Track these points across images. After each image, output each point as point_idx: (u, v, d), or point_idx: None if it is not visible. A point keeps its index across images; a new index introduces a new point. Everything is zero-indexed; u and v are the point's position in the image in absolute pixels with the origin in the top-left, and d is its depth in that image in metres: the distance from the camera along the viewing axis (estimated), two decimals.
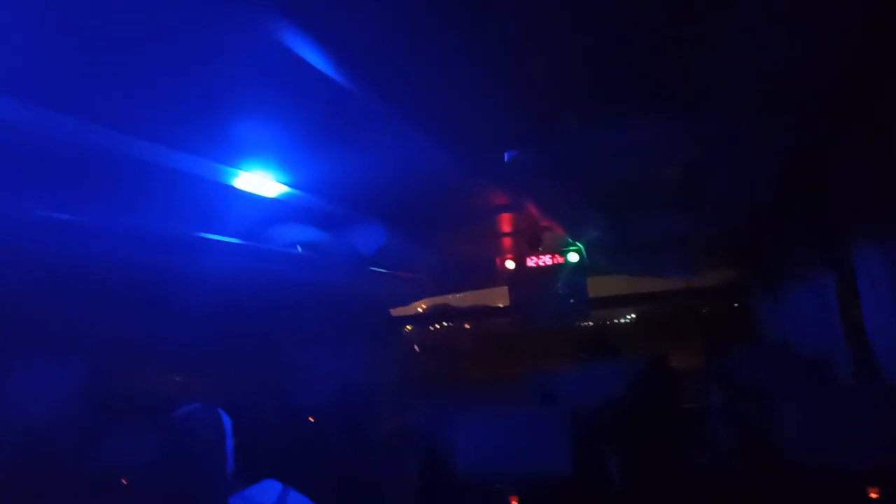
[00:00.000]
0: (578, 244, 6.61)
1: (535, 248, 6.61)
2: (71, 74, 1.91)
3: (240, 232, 3.49)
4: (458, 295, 8.90)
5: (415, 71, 2.01)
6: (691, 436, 3.53)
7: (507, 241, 6.50)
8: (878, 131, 2.35)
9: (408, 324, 9.88)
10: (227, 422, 2.78)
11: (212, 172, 2.82)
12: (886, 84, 2.14)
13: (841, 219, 3.16)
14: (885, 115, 2.28)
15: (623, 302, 9.14)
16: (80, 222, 2.50)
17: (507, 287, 7.51)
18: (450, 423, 3.27)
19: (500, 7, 1.65)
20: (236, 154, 2.79)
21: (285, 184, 3.24)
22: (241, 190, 3.03)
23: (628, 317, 15.13)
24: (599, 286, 7.75)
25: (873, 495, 2.60)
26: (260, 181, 3.09)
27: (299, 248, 4.04)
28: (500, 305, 7.81)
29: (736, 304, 7.17)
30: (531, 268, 7.06)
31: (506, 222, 5.51)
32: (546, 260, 7.03)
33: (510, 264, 7.07)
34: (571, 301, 7.22)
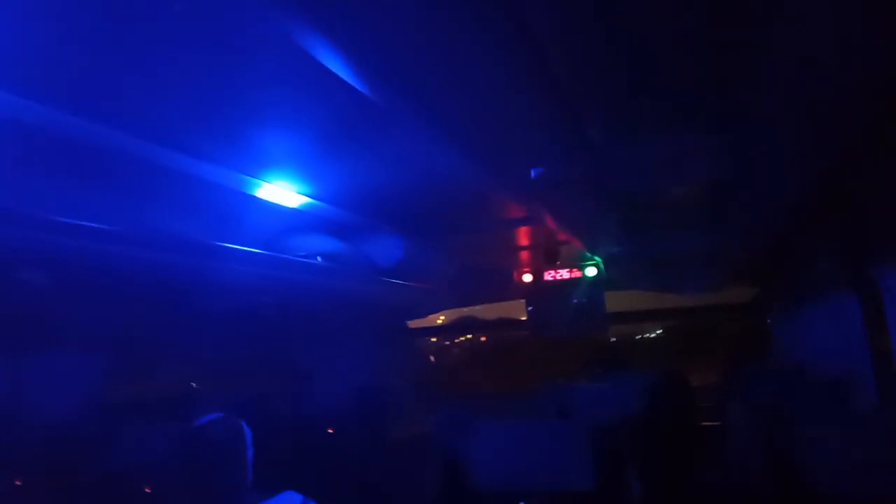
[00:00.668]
0: (597, 258, 6.59)
1: (553, 262, 6.59)
2: (99, 80, 1.93)
3: (261, 241, 3.52)
4: (481, 308, 8.88)
5: (442, 81, 1.99)
6: (711, 454, 3.49)
7: (524, 255, 6.49)
8: None
9: (431, 335, 9.85)
10: (247, 432, 2.79)
11: (236, 182, 2.85)
12: None
13: (869, 240, 3.11)
14: None
15: (644, 317, 9.05)
16: (106, 228, 2.53)
17: (524, 300, 7.50)
18: (467, 434, 3.26)
19: (533, 17, 1.63)
20: (259, 164, 2.81)
21: (307, 195, 3.25)
22: (263, 200, 3.05)
23: (655, 332, 14.96)
24: (623, 301, 7.71)
25: None
26: (282, 192, 3.11)
27: (319, 259, 4.06)
28: (523, 318, 7.80)
29: (758, 323, 7.07)
30: (548, 281, 7.03)
31: (524, 235, 5.50)
32: (564, 274, 7.00)
33: (528, 277, 7.05)
34: (588, 316, 7.19)
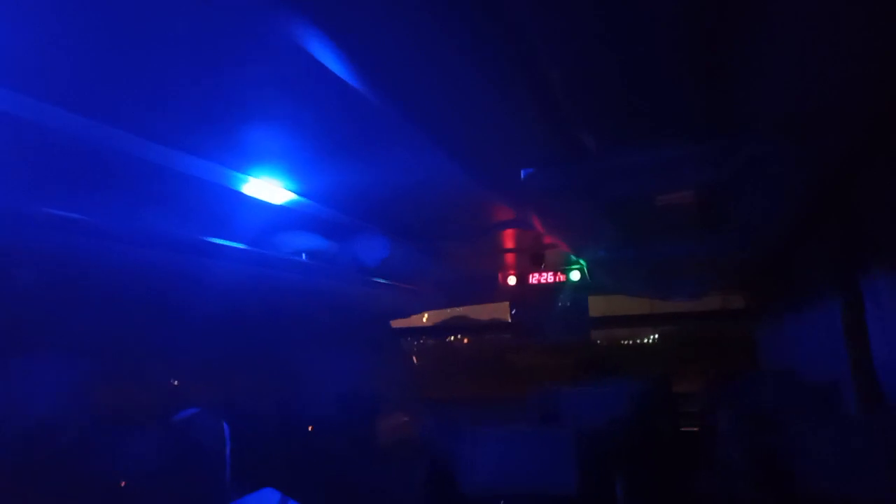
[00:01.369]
0: (582, 262, 6.60)
1: (538, 265, 6.59)
2: (89, 77, 1.91)
3: (246, 237, 3.49)
4: (468, 309, 8.88)
5: (434, 83, 1.98)
6: (697, 459, 3.50)
7: (510, 257, 6.49)
8: None
9: (416, 335, 9.83)
10: (226, 429, 2.77)
11: (222, 177, 2.81)
12: None
13: (862, 248, 3.13)
14: None
15: (630, 322, 9.08)
16: (90, 222, 2.49)
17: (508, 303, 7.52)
18: (453, 437, 3.25)
19: (524, 21, 1.63)
20: (247, 160, 2.78)
21: (294, 192, 3.23)
22: (249, 196, 3.02)
23: (646, 338, 14.96)
24: (612, 306, 7.74)
25: None
26: (269, 188, 3.08)
27: (304, 256, 4.03)
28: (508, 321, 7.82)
29: (748, 331, 7.11)
30: (533, 285, 7.04)
31: (510, 238, 5.50)
32: (548, 277, 7.01)
33: (512, 280, 7.05)
34: (572, 320, 7.21)
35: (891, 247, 2.81)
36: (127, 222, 2.69)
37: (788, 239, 4.10)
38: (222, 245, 3.29)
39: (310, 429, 4.51)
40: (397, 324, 8.08)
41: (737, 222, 3.58)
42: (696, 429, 4.33)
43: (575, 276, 6.83)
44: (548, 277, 6.98)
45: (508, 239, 5.51)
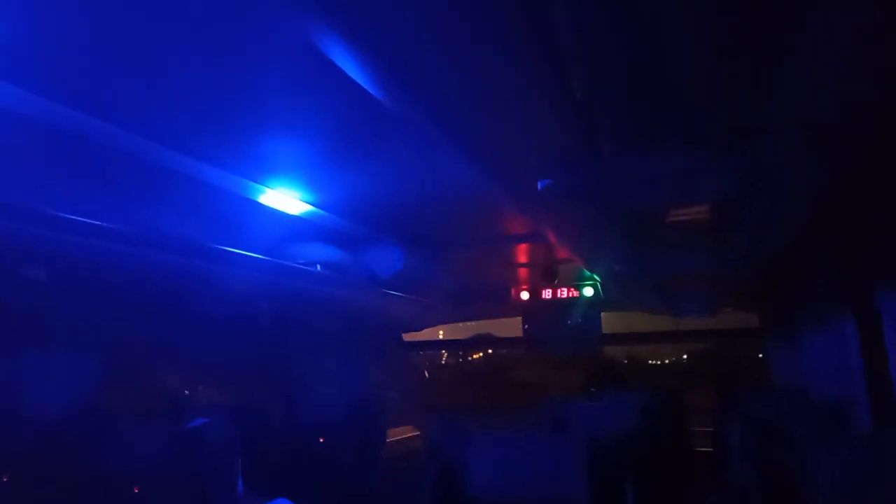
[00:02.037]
0: (595, 277, 6.57)
1: (551, 280, 6.58)
2: (110, 80, 1.93)
3: (262, 246, 3.52)
4: (483, 323, 8.88)
5: (454, 91, 1.98)
6: (709, 473, 3.48)
7: (523, 272, 6.48)
8: None
9: (429, 348, 9.83)
10: (237, 438, 2.76)
11: (240, 187, 2.85)
12: None
13: (872, 263, 3.12)
14: None
15: (644, 340, 9.04)
16: (106, 226, 2.53)
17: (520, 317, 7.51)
18: (464, 446, 3.24)
19: (549, 27, 1.63)
20: (265, 171, 2.81)
21: (310, 203, 3.26)
22: (266, 206, 3.05)
23: (670, 358, 14.77)
24: (630, 322, 7.70)
25: None
26: (286, 199, 3.11)
27: (319, 267, 4.06)
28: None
29: (759, 345, 7.05)
30: (546, 299, 7.01)
31: (524, 252, 5.50)
32: (561, 292, 6.98)
33: (525, 295, 7.03)
34: (584, 336, 7.18)
35: None
36: (146, 227, 2.73)
37: (800, 253, 4.08)
38: (239, 254, 3.33)
39: (321, 440, 4.51)
40: (409, 337, 8.08)
41: (748, 237, 3.58)
42: (708, 444, 4.30)
43: (588, 291, 6.80)
44: (561, 292, 6.96)
45: (522, 252, 5.51)
